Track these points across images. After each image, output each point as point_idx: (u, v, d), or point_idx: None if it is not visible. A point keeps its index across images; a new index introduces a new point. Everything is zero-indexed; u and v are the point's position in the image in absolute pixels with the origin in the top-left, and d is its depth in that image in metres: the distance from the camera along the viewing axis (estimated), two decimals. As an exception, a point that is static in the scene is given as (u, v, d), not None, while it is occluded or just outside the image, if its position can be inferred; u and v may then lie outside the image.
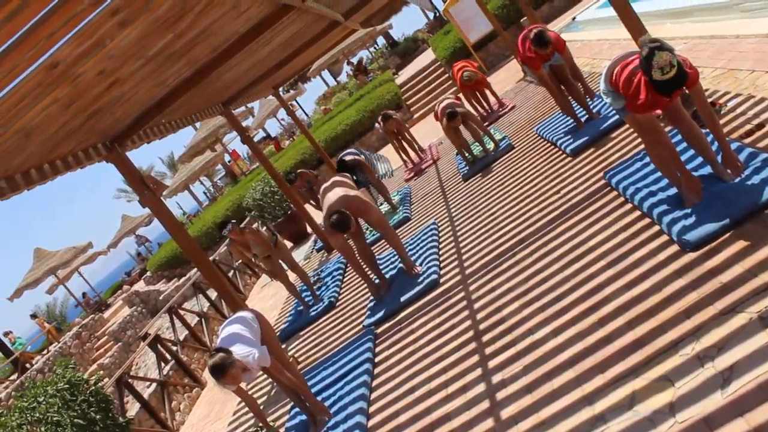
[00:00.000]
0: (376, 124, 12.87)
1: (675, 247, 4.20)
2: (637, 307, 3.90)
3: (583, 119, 7.68)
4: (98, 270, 49.25)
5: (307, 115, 38.12)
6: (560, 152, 7.50)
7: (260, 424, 6.10)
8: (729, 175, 4.40)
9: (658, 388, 3.20)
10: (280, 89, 16.47)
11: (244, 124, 25.65)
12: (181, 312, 10.83)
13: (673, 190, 4.69)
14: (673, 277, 3.93)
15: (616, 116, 6.83)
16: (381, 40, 38.47)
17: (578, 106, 7.80)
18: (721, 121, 5.38)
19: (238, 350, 4.85)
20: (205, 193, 39.75)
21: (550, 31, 7.47)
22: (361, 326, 6.72)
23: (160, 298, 18.07)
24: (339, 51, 27.87)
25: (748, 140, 4.80)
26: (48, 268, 27.50)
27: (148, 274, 24.23)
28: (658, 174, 4.93)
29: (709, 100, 5.79)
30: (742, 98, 5.59)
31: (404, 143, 12.28)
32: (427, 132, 14.63)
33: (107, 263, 48.96)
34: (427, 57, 22.69)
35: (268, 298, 10.45)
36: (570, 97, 7.79)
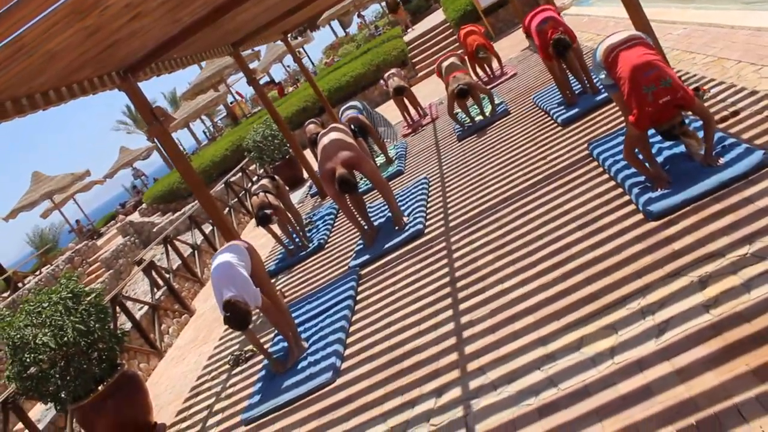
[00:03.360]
0: (381, 81, 13.13)
1: (639, 216, 4.59)
2: (597, 266, 4.30)
3: (578, 91, 7.99)
4: (92, 199, 49.50)
5: (312, 63, 38.12)
6: (552, 121, 7.85)
7: (248, 348, 6.55)
8: (699, 156, 4.77)
9: (603, 335, 3.62)
10: (289, 35, 16.65)
11: (250, 66, 25.79)
12: (176, 243, 11.21)
13: (646, 164, 5.05)
14: (633, 242, 4.33)
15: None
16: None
17: (575, 81, 8.10)
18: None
19: (234, 292, 5.25)
20: (204, 132, 39.91)
21: (555, 13, 7.74)
22: (346, 267, 7.14)
23: (154, 229, 18.44)
24: (350, 2, 27.85)
25: (721, 126, 5.15)
26: (44, 192, 27.78)
27: (144, 206, 24.59)
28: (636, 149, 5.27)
29: (695, 85, 6.15)
30: (724, 86, 5.93)
31: (407, 102, 12.56)
32: (431, 91, 14.89)
33: (101, 193, 49.18)
34: (437, 17, 22.76)
35: (260, 237, 10.83)
36: (568, 71, 8.04)
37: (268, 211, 8.14)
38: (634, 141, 4.76)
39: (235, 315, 5.14)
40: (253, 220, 14.02)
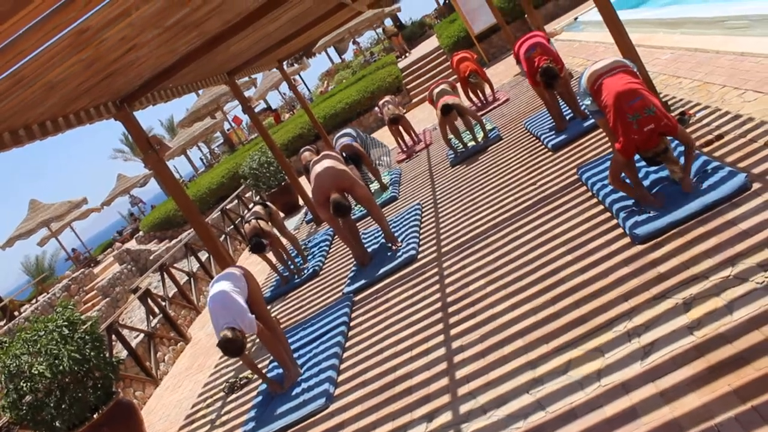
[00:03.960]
0: (376, 108, 13.25)
1: (626, 240, 4.67)
2: (585, 290, 4.37)
3: (568, 117, 8.10)
4: (89, 227, 49.50)
5: (308, 89, 38.41)
6: (543, 146, 7.95)
7: (243, 375, 6.58)
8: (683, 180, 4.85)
9: (590, 358, 3.67)
10: (285, 63, 16.83)
11: (246, 94, 25.95)
12: (172, 270, 11.26)
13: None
14: (620, 265, 4.40)
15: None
16: (389, 22, 38.68)
17: (565, 106, 8.21)
18: (688, 130, 5.84)
19: (230, 321, 5.31)
20: (201, 159, 40.12)
21: (544, 39, 7.87)
22: (341, 293, 7.19)
23: (151, 257, 18.49)
24: (345, 30, 28.13)
25: (706, 149, 5.25)
26: (42, 220, 27.84)
27: (140, 233, 24.65)
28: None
29: (681, 109, 6.26)
30: (709, 110, 6.04)
31: (402, 129, 12.68)
32: (424, 117, 15.03)
33: (98, 222, 49.28)
34: (431, 43, 23.03)
35: (257, 263, 10.89)
36: (559, 97, 8.15)
37: (261, 239, 8.21)
38: (621, 167, 4.85)
39: (231, 344, 5.21)
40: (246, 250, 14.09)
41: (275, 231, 8.74)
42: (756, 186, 4.34)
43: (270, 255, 8.85)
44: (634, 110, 4.60)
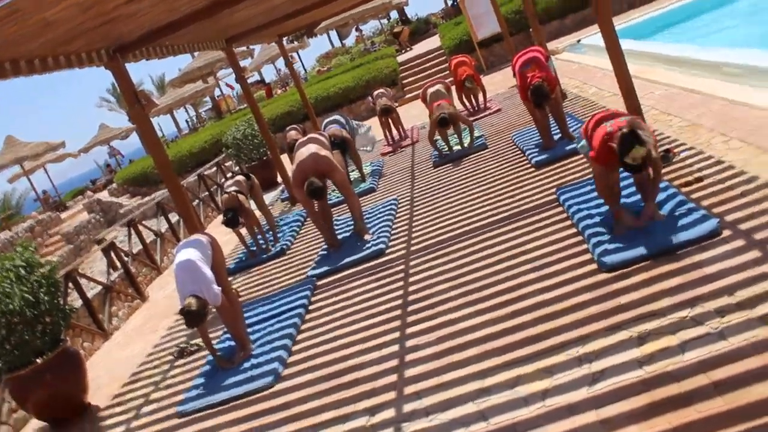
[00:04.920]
0: (369, 98, 13.21)
1: (593, 266, 4.70)
2: (544, 309, 4.40)
3: (556, 137, 8.12)
4: (63, 172, 48.85)
5: (305, 69, 38.20)
6: (526, 162, 7.98)
7: (194, 341, 6.54)
8: (658, 216, 4.90)
9: (539, 377, 3.70)
10: (285, 39, 16.72)
11: (241, 63, 25.77)
12: (140, 227, 11.14)
13: (608, 218, 5.18)
14: (583, 291, 4.44)
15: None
16: (394, 14, 38.59)
17: (555, 125, 8.23)
18: (670, 168, 5.90)
19: (196, 290, 5.29)
20: (187, 122, 39.76)
21: (542, 56, 7.88)
22: (305, 275, 7.17)
23: (121, 211, 18.31)
24: (350, 15, 28.00)
25: (685, 189, 5.30)
26: (16, 157, 27.43)
27: (114, 186, 24.40)
28: (602, 201, 5.38)
29: (667, 147, 6.31)
30: (693, 152, 6.10)
31: (391, 122, 12.67)
32: (415, 114, 14.97)
33: (73, 168, 48.57)
34: (433, 42, 23.00)
35: (225, 233, 10.81)
36: (550, 115, 8.16)
37: (236, 215, 8.17)
38: (602, 178, 4.89)
39: (194, 314, 5.17)
40: (221, 216, 13.99)
41: (253, 205, 8.69)
42: (726, 233, 4.39)
43: (242, 228, 8.80)
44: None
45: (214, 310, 5.77)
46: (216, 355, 5.65)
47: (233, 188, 8.53)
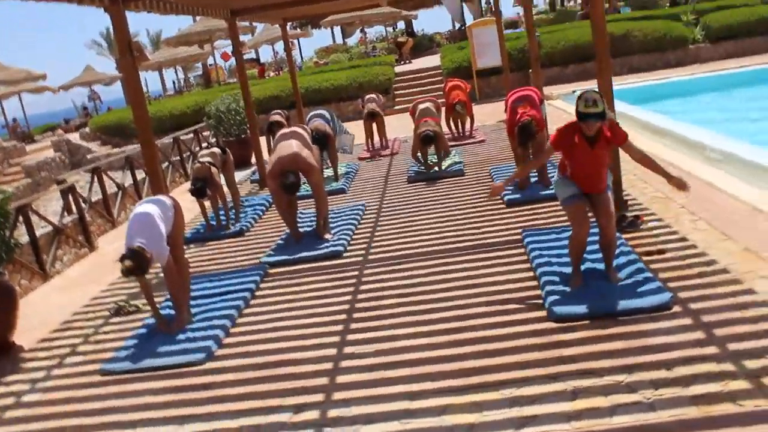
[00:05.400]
0: (359, 100, 13.18)
1: (543, 313, 4.73)
2: (487, 345, 4.42)
3: (533, 180, 8.19)
4: (37, 104, 47.91)
5: (301, 58, 38.07)
6: (499, 197, 8.01)
7: (134, 302, 6.43)
8: (615, 279, 4.97)
9: (468, 410, 3.70)
10: (289, 24, 16.64)
11: (240, 38, 25.60)
12: (104, 177, 10.95)
13: (567, 269, 5.22)
14: (528, 335, 4.47)
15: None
16: (401, 24, 38.70)
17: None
18: (636, 235, 5.98)
19: (144, 243, 5.20)
20: (174, 83, 39.31)
21: (536, 95, 7.95)
22: (258, 261, 7.11)
23: (88, 156, 18.01)
24: (358, 15, 28.01)
25: (646, 258, 5.38)
26: (-7, 79, 26.81)
27: (87, 130, 23.97)
28: (565, 251, 5.42)
29: (635, 213, 6.39)
30: (661, 224, 6.20)
31: (375, 129, 12.67)
32: (400, 126, 14.97)
33: (50, 103, 47.68)
34: (433, 60, 23.08)
35: (188, 201, 10.68)
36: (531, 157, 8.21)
37: (205, 186, 8.10)
38: (576, 221, 4.98)
39: (135, 259, 5.06)
40: (188, 183, 13.83)
41: (222, 180, 8.61)
42: (676, 308, 4.47)
43: (206, 201, 8.70)
44: None
45: (161, 274, 5.68)
46: (158, 314, 5.56)
47: (207, 159, 8.45)
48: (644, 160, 4.93)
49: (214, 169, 8.34)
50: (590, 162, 4.84)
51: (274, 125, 11.75)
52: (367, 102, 12.51)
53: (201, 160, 8.50)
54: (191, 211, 10.03)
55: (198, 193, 8.15)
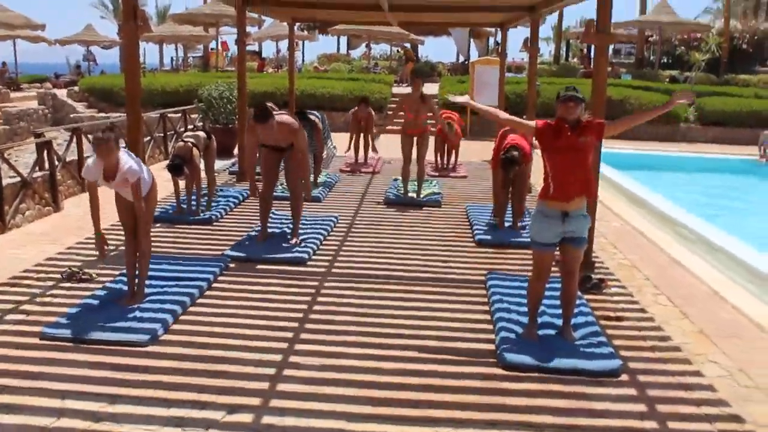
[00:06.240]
0: (350, 112, 13.16)
1: (493, 359, 4.72)
2: (433, 379, 4.39)
3: (507, 225, 8.23)
4: (30, 54, 47.14)
5: (303, 60, 38.07)
6: (470, 235, 8.04)
7: (88, 270, 6.32)
8: (570, 337, 4.98)
9: (401, 441, 3.67)
10: (297, 24, 16.63)
11: (246, 29, 25.53)
12: (83, 139, 10.79)
13: (525, 318, 5.22)
14: (475, 377, 4.45)
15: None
16: (407, 46, 38.86)
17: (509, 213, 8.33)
18: (596, 298, 6.02)
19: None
20: (172, 59, 39.04)
21: (529, 143, 7.99)
22: (221, 252, 7.03)
23: (72, 115, 17.77)
24: (367, 30, 28.10)
25: (603, 322, 5.41)
26: (-9, 20, 26.40)
27: (75, 89, 23.66)
28: (525, 300, 5.42)
29: (602, 277, 6.43)
30: (623, 291, 6.26)
31: (361, 141, 12.70)
32: (386, 146, 14.97)
33: (43, 54, 46.93)
34: (431, 89, 23.16)
35: (163, 180, 10.58)
36: (510, 200, 8.26)
37: (183, 165, 8.01)
38: (539, 269, 4.99)
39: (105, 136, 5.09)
40: (165, 161, 13.69)
41: (202, 164, 8.53)
42: (624, 377, 4.49)
43: (182, 181, 8.60)
44: None
45: (121, 247, 5.58)
46: (100, 244, 5.40)
47: (191, 140, 8.39)
48: (632, 120, 4.95)
49: (195, 151, 8.28)
50: (574, 158, 4.68)
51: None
52: (359, 112, 12.50)
53: (185, 139, 8.43)
54: (163, 190, 9.93)
55: (174, 169, 8.07)
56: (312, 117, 10.19)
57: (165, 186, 9.74)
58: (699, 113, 20.44)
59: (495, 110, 5.25)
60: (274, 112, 7.10)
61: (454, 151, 12.75)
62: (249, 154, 7.47)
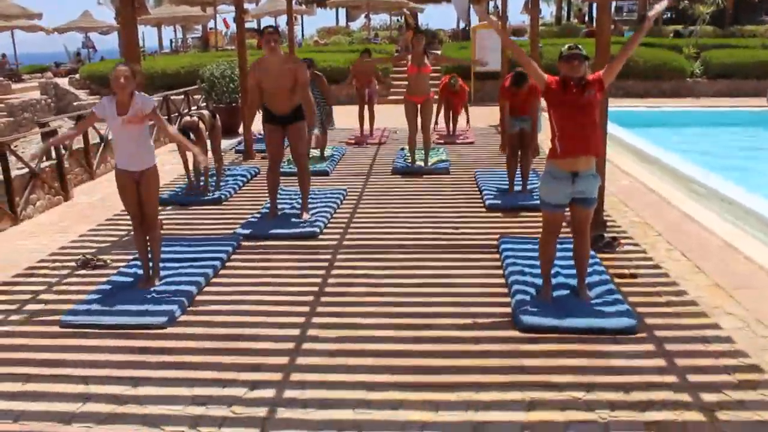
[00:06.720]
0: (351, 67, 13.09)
1: (508, 319, 4.74)
2: (450, 345, 4.41)
3: (517, 188, 8.20)
4: (28, 43, 46.96)
5: (302, 34, 37.79)
6: (480, 201, 8.03)
7: (102, 257, 6.35)
8: (585, 296, 4.99)
9: (423, 407, 3.69)
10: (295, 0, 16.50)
11: (244, 5, 25.28)
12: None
13: (539, 280, 5.22)
14: (492, 340, 4.47)
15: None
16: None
17: (519, 176, 8.30)
18: (610, 256, 6.02)
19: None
20: (171, 41, 38.84)
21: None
22: (232, 231, 7.05)
23: (75, 103, 17.77)
24: (365, 1, 27.85)
25: (618, 280, 5.41)
26: (-13, 11, 26.31)
27: (76, 77, 23.62)
28: (537, 262, 5.42)
29: (615, 236, 6.41)
30: (637, 249, 6.25)
31: (367, 112, 12.66)
32: (390, 116, 14.91)
33: (41, 43, 46.73)
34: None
35: (167, 163, 10.60)
36: (519, 165, 8.23)
37: (189, 133, 8.02)
38: (548, 230, 5.01)
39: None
40: (171, 144, 13.68)
41: (208, 142, 8.53)
42: (641, 334, 4.49)
43: (190, 157, 8.59)
44: None
45: (132, 233, 5.61)
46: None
47: (196, 116, 8.41)
48: (621, 57, 4.86)
49: (202, 125, 8.29)
50: (580, 114, 4.66)
51: None
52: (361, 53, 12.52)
53: (190, 115, 8.46)
54: (173, 172, 9.95)
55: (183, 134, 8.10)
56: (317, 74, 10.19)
57: (169, 171, 9.77)
58: (705, 66, 20.21)
59: (519, 48, 5.19)
60: None
61: (463, 111, 12.67)
62: (250, 98, 7.35)
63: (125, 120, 5.20)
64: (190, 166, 8.72)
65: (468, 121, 13.19)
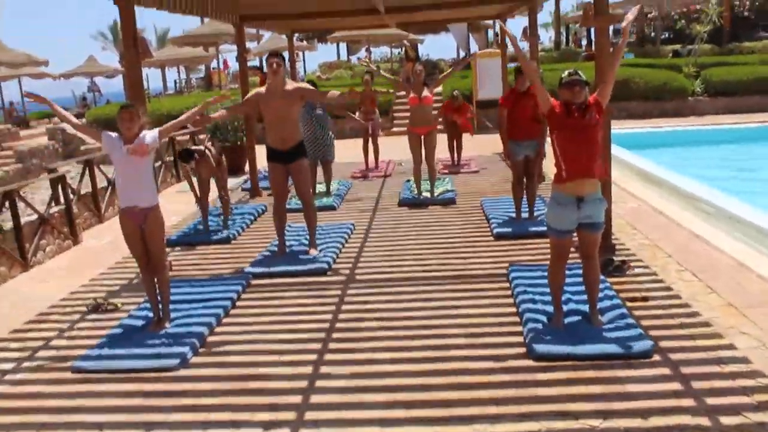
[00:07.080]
0: (357, 114, 13.18)
1: (522, 350, 4.71)
2: (464, 377, 4.39)
3: (524, 215, 8.19)
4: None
5: (304, 70, 38.17)
6: (488, 230, 8.02)
7: (112, 301, 6.36)
8: (597, 322, 4.96)
9: (439, 442, 3.66)
10: (296, 35, 16.68)
11: (246, 45, 25.56)
12: (95, 170, 10.88)
13: (551, 308, 5.20)
14: (506, 371, 4.44)
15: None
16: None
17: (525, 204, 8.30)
18: (621, 280, 5.99)
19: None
20: (175, 82, 39.28)
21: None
22: (241, 270, 7.06)
23: (82, 147, 17.91)
24: (365, 34, 28.11)
25: (629, 304, 5.38)
26: (-5, 61, 26.72)
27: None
28: (548, 289, 5.40)
29: (624, 259, 6.39)
30: (647, 271, 6.21)
31: (371, 145, 12.73)
32: (395, 148, 14.98)
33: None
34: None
35: (176, 203, 10.65)
36: (525, 191, 8.23)
37: (193, 153, 8.12)
38: (557, 255, 4.98)
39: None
40: (178, 185, 13.77)
41: (212, 180, 8.62)
42: (656, 357, 4.45)
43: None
44: None
45: (141, 277, 5.62)
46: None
47: (202, 147, 8.51)
48: (609, 72, 4.99)
49: (208, 153, 8.39)
50: (583, 137, 4.67)
51: None
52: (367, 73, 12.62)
53: (196, 144, 8.58)
54: (181, 213, 10.00)
55: (185, 154, 8.25)
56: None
57: (181, 210, 9.81)
58: (706, 84, 20.30)
59: (534, 69, 5.23)
60: None
61: (464, 135, 12.70)
62: (240, 109, 7.76)
63: (130, 149, 5.24)
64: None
65: (473, 128, 13.15)
